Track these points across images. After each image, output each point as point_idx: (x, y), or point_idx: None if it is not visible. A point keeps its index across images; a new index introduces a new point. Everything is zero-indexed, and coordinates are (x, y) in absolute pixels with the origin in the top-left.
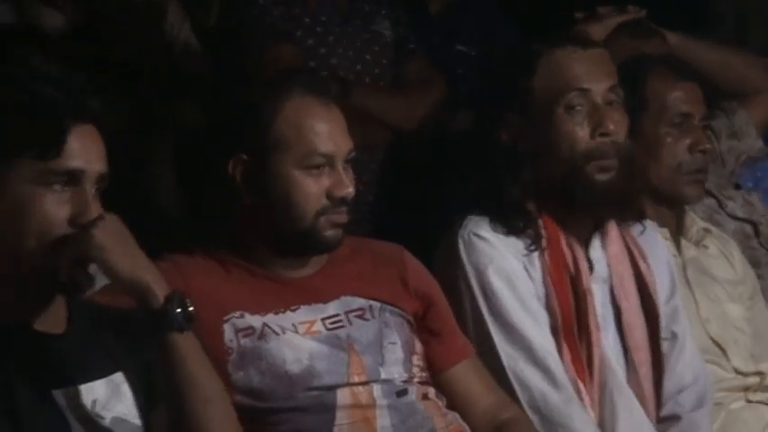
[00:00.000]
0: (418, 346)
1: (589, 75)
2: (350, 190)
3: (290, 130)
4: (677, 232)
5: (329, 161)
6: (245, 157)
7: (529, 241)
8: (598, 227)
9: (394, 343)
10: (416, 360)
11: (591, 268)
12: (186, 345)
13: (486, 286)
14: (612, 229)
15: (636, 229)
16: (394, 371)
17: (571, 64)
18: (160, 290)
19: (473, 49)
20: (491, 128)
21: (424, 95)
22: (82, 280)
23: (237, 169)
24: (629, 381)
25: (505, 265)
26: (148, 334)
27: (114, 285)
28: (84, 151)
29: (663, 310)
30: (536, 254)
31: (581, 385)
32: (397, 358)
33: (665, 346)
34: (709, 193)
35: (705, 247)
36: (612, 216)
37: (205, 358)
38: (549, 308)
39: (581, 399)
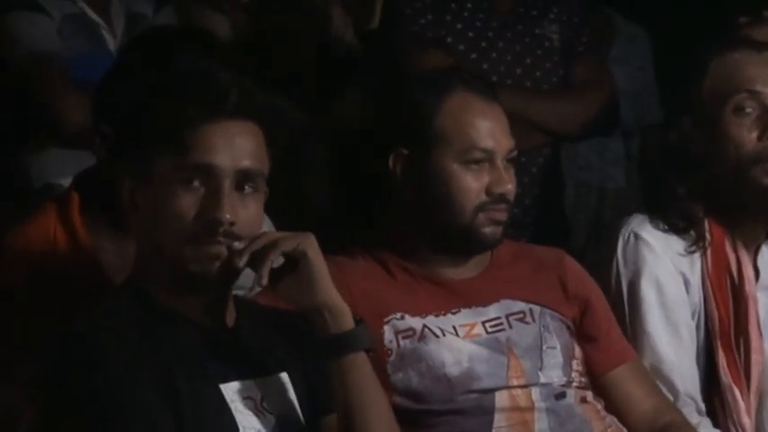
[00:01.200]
0: (577, 351)
1: (761, 78)
2: (509, 187)
3: (451, 124)
4: None
5: (489, 157)
6: (405, 151)
7: (690, 242)
8: (767, 233)
9: (553, 347)
10: (576, 365)
11: (757, 275)
12: (364, 364)
13: (634, 290)
14: None
15: None
16: (553, 375)
17: (743, 66)
18: (349, 312)
19: None
20: (662, 128)
21: (585, 98)
22: (232, 274)
23: (398, 164)
24: None
25: (659, 272)
26: (323, 355)
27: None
28: (217, 147)
29: None
30: (697, 256)
31: (736, 391)
32: (556, 362)
33: None
34: None
35: None
36: None
37: (375, 376)
38: (706, 311)
39: (736, 405)
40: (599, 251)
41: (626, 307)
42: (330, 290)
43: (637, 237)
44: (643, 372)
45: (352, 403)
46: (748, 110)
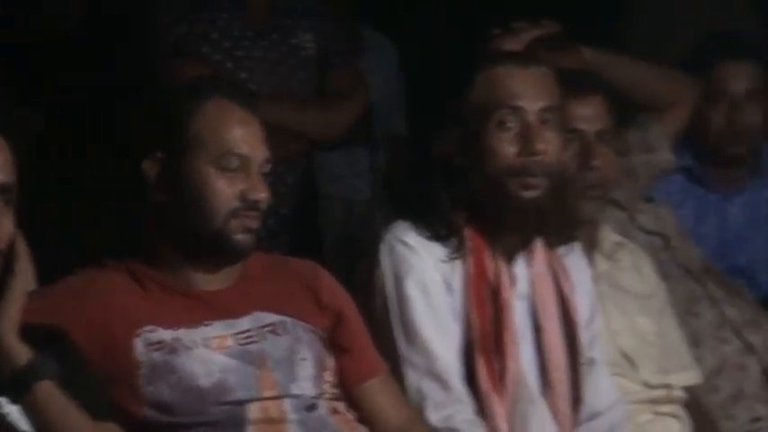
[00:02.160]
0: (330, 362)
1: (524, 93)
2: (263, 195)
3: (208, 129)
4: (590, 246)
5: (245, 164)
6: (160, 155)
7: (451, 249)
8: (525, 244)
9: (305, 359)
10: (328, 376)
11: (513, 283)
12: (49, 395)
13: (401, 294)
14: (539, 248)
15: (563, 250)
16: (305, 386)
17: (507, 81)
18: (17, 346)
19: None
20: (427, 138)
21: (343, 107)
22: None
23: (153, 169)
24: (545, 398)
25: (424, 275)
26: (10, 397)
27: None
28: None
29: (583, 333)
30: (458, 263)
31: (494, 398)
32: (308, 374)
33: (582, 369)
34: (621, 207)
35: (618, 260)
36: (536, 234)
37: (67, 402)
38: (467, 318)
39: (493, 411)
40: (363, 261)
41: (393, 312)
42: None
43: (401, 242)
44: (393, 385)
45: None
46: (510, 125)
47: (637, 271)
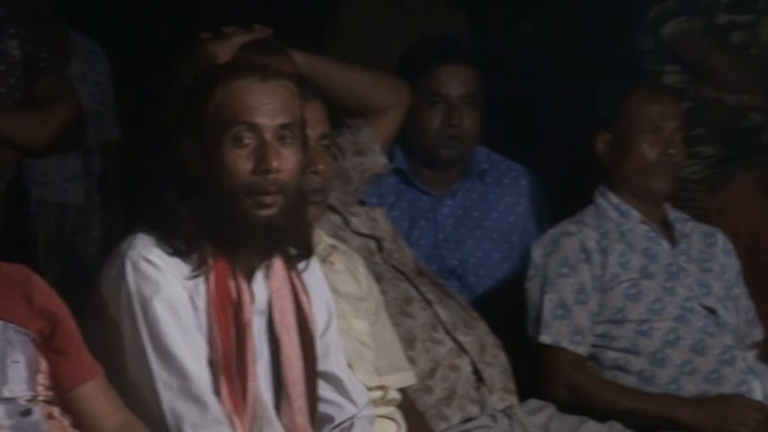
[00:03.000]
0: (43, 365)
1: (260, 109)
2: None
3: None
4: None
5: None
6: None
7: (193, 266)
8: (263, 260)
9: (17, 362)
10: (41, 378)
11: (253, 301)
12: None
13: (150, 314)
14: (277, 263)
15: (301, 265)
16: (17, 389)
17: (246, 96)
18: None
19: None
20: (166, 148)
21: (51, 113)
22: None
23: None
24: (282, 414)
25: (172, 294)
26: None
27: None
28: None
29: (318, 345)
30: (201, 281)
31: (236, 419)
32: (20, 377)
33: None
34: (335, 210)
35: (332, 263)
36: (272, 252)
37: None
38: (210, 338)
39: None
40: (108, 271)
41: (143, 332)
42: None
43: (145, 260)
44: (109, 389)
45: None
46: (246, 141)
47: (351, 274)
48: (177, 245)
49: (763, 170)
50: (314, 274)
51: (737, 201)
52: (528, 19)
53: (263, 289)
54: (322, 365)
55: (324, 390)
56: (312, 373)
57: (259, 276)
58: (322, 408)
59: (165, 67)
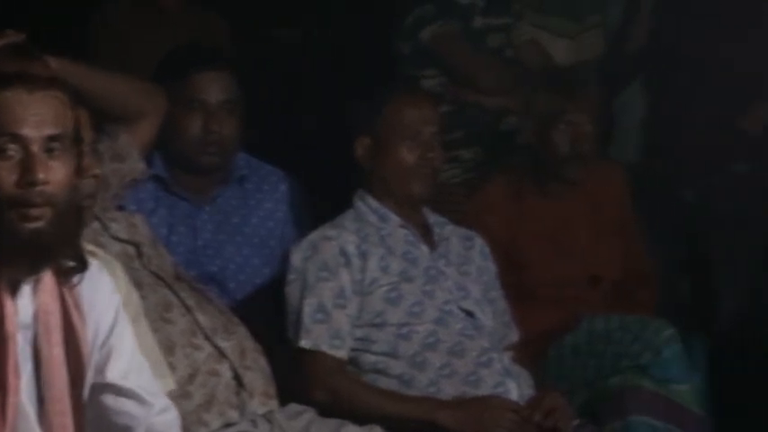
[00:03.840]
0: None
1: (26, 120)
2: None
3: None
4: None
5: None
6: None
7: None
8: (30, 274)
9: None
10: None
11: (17, 315)
12: None
13: None
14: (47, 277)
15: (76, 278)
16: None
17: (12, 106)
18: None
19: None
20: None
21: None
22: None
23: None
24: (43, 430)
25: None
26: None
27: None
28: None
29: (94, 357)
30: None
31: None
32: None
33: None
34: (93, 216)
35: None
36: (39, 266)
37: None
38: None
39: None
40: None
41: None
42: None
43: None
44: None
45: None
46: (10, 153)
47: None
48: None
49: (518, 171)
50: (93, 286)
51: (493, 203)
52: (292, 25)
53: (29, 303)
54: (106, 378)
55: (112, 401)
56: (79, 391)
57: (26, 290)
58: (115, 419)
59: None
